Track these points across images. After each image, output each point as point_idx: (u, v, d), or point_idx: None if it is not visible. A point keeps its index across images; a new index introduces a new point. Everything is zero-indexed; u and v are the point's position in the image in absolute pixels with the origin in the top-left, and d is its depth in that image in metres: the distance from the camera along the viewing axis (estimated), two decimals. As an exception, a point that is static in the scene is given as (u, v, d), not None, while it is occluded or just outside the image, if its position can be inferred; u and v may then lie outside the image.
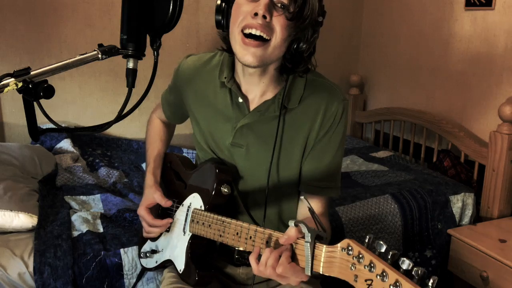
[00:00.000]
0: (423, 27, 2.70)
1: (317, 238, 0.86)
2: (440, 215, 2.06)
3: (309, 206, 0.90)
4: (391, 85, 3.01)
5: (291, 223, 0.88)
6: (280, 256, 0.89)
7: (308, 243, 0.84)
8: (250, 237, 0.98)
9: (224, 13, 1.07)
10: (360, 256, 0.76)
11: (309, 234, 0.84)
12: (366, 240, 0.78)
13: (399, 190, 2.07)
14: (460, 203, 2.10)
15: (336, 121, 1.12)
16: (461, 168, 2.35)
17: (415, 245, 2.02)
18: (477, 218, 2.17)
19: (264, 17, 0.98)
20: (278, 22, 1.00)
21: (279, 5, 1.00)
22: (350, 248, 0.79)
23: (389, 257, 0.74)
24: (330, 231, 1.17)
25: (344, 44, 3.18)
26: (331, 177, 1.16)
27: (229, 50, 1.11)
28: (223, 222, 1.06)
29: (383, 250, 0.75)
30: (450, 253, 2.02)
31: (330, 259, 0.83)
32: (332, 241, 1.16)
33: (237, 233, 1.02)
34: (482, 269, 1.85)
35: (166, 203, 1.22)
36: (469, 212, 2.13)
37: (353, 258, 0.78)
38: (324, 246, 0.84)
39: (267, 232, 0.96)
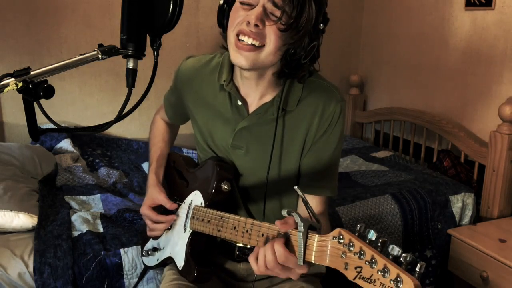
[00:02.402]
0: (423, 27, 2.70)
1: (310, 228, 0.86)
2: (440, 215, 2.06)
3: (302, 196, 0.90)
4: (391, 85, 3.01)
5: (284, 213, 0.88)
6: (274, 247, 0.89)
7: (301, 233, 0.85)
8: (247, 231, 0.99)
9: (225, 14, 1.07)
10: (351, 244, 0.77)
11: (302, 224, 0.85)
12: (358, 229, 0.79)
13: (399, 190, 2.07)
14: (460, 203, 2.10)
15: (333, 122, 1.12)
16: (461, 168, 2.35)
17: (415, 245, 2.02)
18: (477, 218, 2.17)
19: (256, 25, 0.98)
20: (272, 31, 0.99)
21: (271, 14, 0.99)
22: (341, 236, 0.79)
23: (379, 244, 0.76)
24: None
25: (344, 44, 3.18)
26: (328, 176, 1.17)
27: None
28: (221, 217, 1.07)
29: (373, 238, 0.77)
30: (450, 253, 2.02)
31: (321, 248, 0.83)
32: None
33: (234, 227, 1.03)
34: (482, 269, 1.85)
35: (171, 205, 1.22)
36: (469, 212, 2.13)
37: (343, 246, 0.79)
38: (317, 235, 0.85)
39: (263, 225, 0.97)
